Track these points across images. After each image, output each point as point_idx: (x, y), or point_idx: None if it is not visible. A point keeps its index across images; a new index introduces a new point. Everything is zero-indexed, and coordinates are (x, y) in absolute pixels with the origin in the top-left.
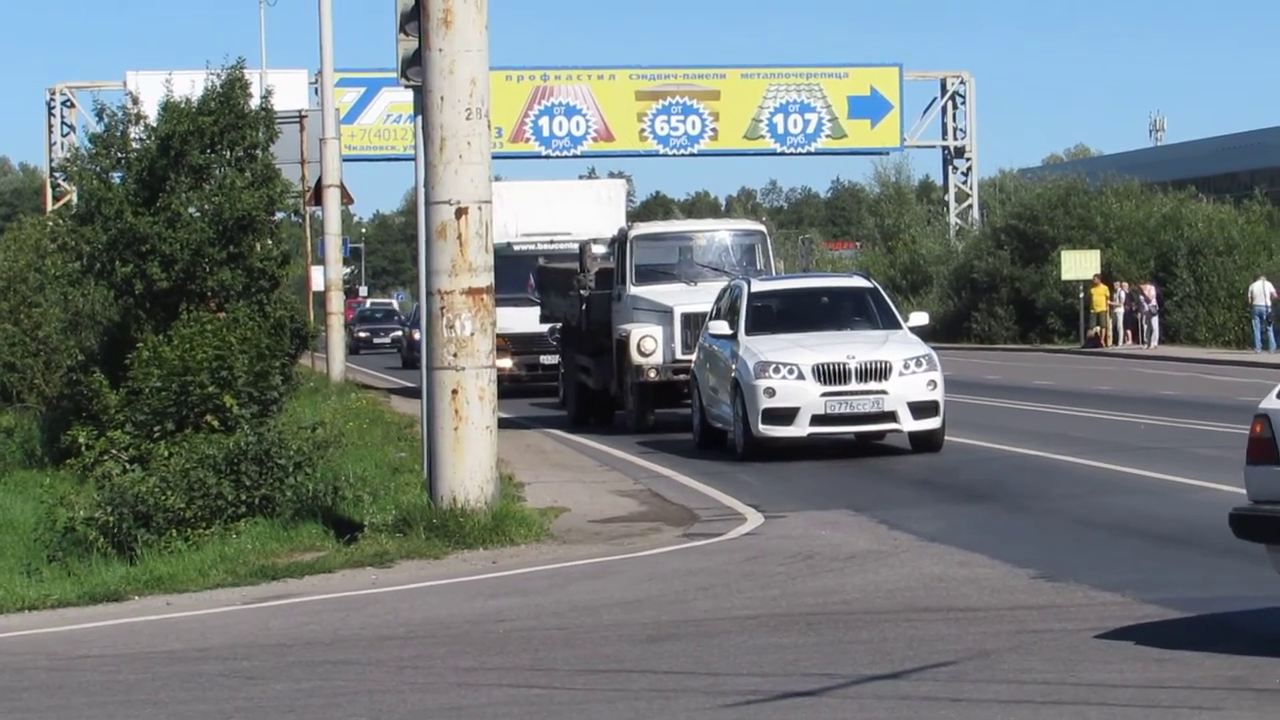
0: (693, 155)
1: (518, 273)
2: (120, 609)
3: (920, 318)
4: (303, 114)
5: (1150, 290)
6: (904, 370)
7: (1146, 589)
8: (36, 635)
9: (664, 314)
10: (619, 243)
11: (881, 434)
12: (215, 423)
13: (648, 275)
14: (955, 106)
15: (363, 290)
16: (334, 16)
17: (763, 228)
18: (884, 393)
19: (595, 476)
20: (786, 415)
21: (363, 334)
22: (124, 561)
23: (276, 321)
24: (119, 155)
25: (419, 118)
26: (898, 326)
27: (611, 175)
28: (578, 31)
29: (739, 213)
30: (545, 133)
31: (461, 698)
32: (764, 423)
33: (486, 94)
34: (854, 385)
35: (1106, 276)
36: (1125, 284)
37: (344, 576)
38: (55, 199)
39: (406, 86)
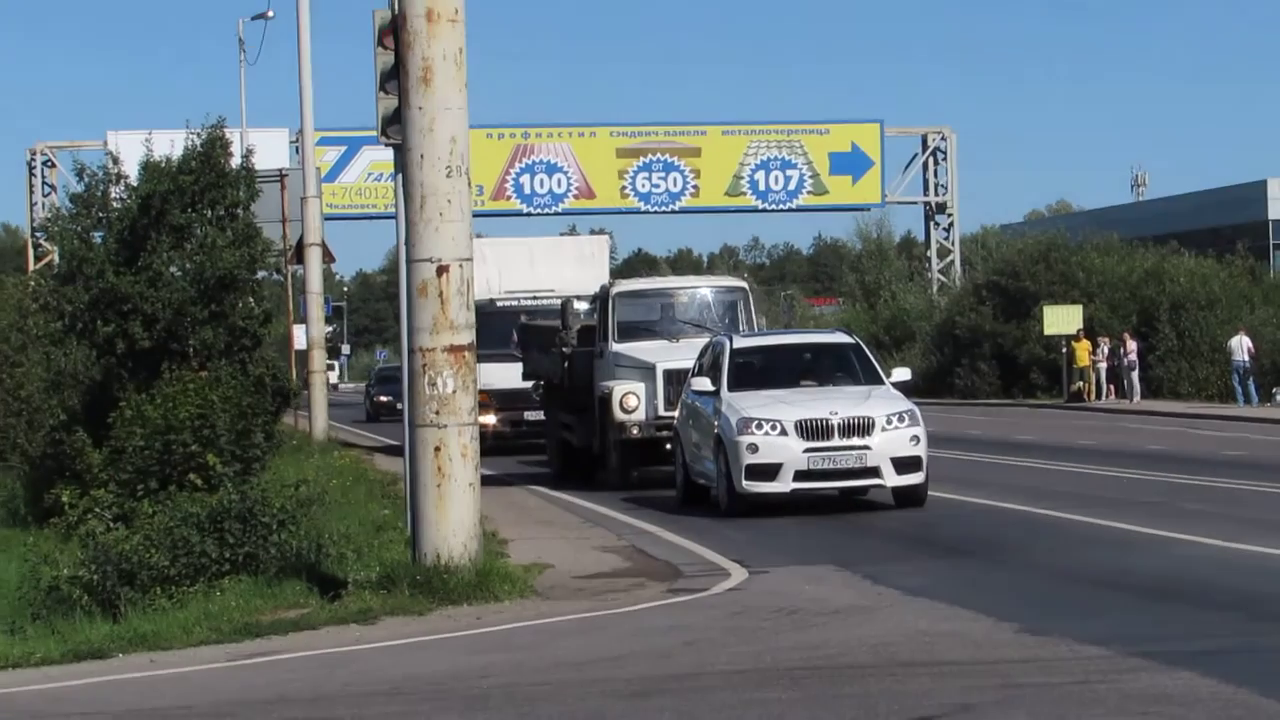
0: (674, 212)
1: (501, 329)
2: (104, 666)
3: (903, 373)
4: (284, 172)
5: (1131, 344)
6: (887, 426)
7: (1131, 642)
8: (20, 693)
9: (646, 371)
10: (601, 299)
11: (865, 489)
12: (199, 481)
13: (630, 332)
14: (937, 162)
15: (345, 349)
16: (314, 76)
17: (745, 284)
18: (867, 448)
19: (579, 533)
20: (770, 471)
21: (384, 398)
22: (108, 619)
23: (258, 380)
24: (100, 215)
25: (399, 176)
26: (880, 382)
27: (593, 232)
28: (558, 89)
29: (721, 269)
30: (526, 190)
31: None
32: (747, 479)
33: (467, 152)
34: (837, 441)
35: (1089, 331)
36: (1108, 339)
37: (328, 633)
38: (37, 259)
39: (387, 145)
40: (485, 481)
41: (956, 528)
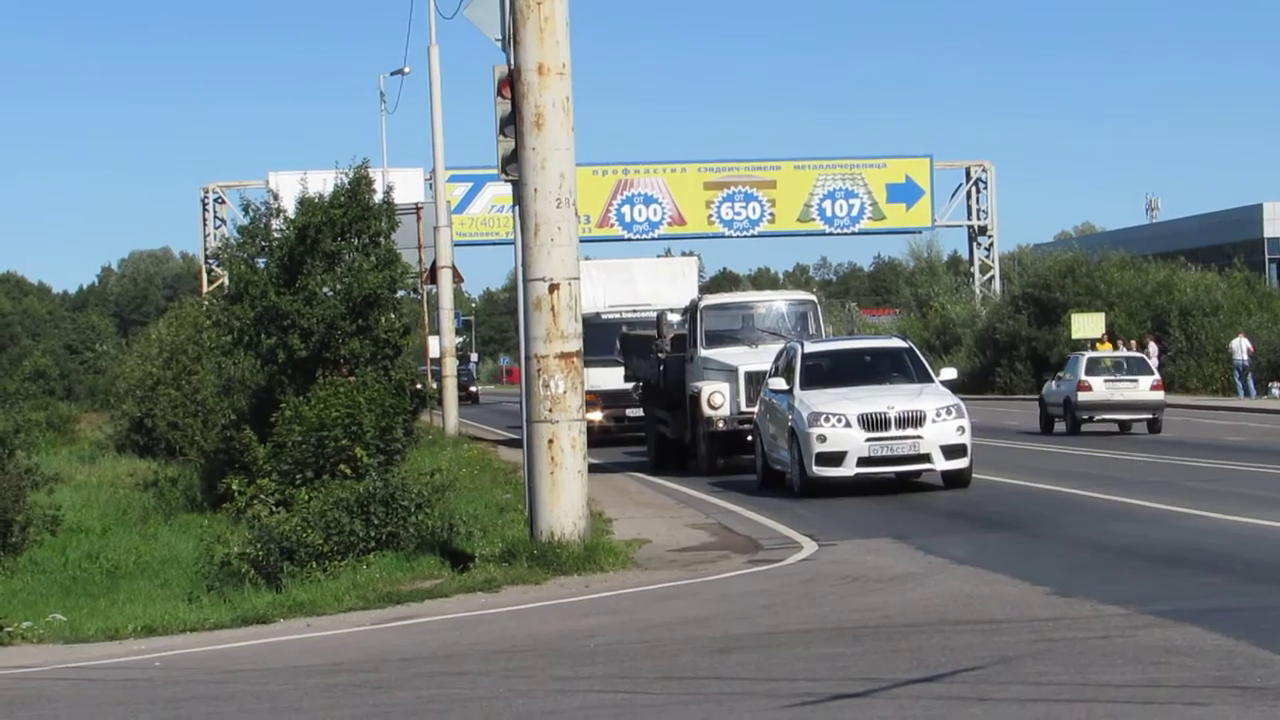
0: (754, 236)
1: (606, 338)
2: (267, 630)
3: (950, 373)
4: (419, 206)
5: (1153, 346)
6: (936, 418)
7: (1146, 602)
8: (196, 653)
9: (730, 373)
10: (691, 312)
11: (918, 473)
12: (348, 471)
13: (716, 339)
14: (978, 191)
15: (474, 356)
16: (444, 122)
17: (814, 298)
18: (919, 437)
19: (673, 512)
20: (836, 458)
21: None
22: (271, 590)
23: (399, 384)
24: (263, 244)
25: (517, 207)
26: (930, 380)
27: (684, 254)
28: (653, 131)
29: (793, 285)
30: (627, 219)
31: (558, 703)
32: (817, 465)
33: (574, 186)
34: (894, 432)
35: (1111, 335)
36: (1134, 341)
37: (458, 600)
38: (210, 282)
39: (506, 180)
40: (592, 469)
41: (997, 505)
